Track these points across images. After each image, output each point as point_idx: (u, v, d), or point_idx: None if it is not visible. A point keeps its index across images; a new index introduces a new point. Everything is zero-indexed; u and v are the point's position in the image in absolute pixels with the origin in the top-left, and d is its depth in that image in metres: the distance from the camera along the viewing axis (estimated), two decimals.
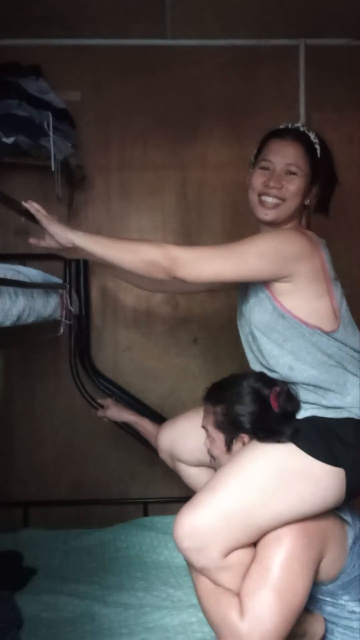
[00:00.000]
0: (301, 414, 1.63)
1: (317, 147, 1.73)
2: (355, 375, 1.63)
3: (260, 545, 1.54)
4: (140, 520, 2.69)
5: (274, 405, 1.62)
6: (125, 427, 2.46)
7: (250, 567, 1.51)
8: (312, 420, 1.61)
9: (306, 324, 1.62)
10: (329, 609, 1.67)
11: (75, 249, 1.62)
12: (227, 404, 1.70)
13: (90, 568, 2.35)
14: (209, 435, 1.76)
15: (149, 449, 2.39)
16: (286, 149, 1.71)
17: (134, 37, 2.69)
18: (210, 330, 2.76)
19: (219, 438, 1.72)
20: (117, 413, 2.25)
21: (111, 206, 2.77)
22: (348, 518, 1.67)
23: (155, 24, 2.59)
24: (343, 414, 1.61)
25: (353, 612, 1.65)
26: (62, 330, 1.88)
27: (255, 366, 1.75)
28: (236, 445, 1.69)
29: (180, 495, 2.78)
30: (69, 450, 2.79)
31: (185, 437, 1.94)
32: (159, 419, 2.70)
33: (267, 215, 1.71)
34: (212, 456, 1.77)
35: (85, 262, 2.67)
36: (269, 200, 1.70)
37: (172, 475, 2.66)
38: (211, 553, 1.51)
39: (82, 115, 2.65)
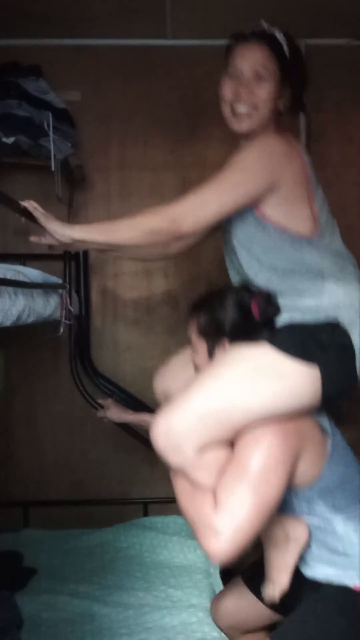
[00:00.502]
0: (280, 321, 1.64)
1: (285, 45, 1.69)
2: (334, 279, 1.64)
3: (238, 445, 1.54)
4: (140, 521, 2.69)
5: (255, 312, 1.63)
6: (126, 427, 2.46)
7: (227, 467, 1.52)
8: (289, 325, 1.63)
9: (286, 230, 1.62)
10: (304, 518, 1.66)
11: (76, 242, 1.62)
12: (209, 311, 1.71)
13: (90, 568, 2.35)
14: (192, 345, 1.77)
15: (150, 449, 2.39)
16: (252, 52, 1.67)
17: (134, 37, 2.69)
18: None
19: (201, 346, 1.73)
20: (117, 414, 2.25)
21: (111, 206, 2.77)
22: (326, 425, 1.67)
23: (155, 24, 2.59)
24: (320, 316, 1.61)
25: (328, 520, 1.64)
26: (62, 330, 1.89)
27: (235, 279, 1.78)
28: (218, 352, 1.69)
29: None
30: (69, 450, 2.79)
31: (178, 374, 1.94)
32: None
33: (242, 126, 1.69)
34: (195, 367, 1.78)
35: (85, 262, 2.67)
36: (242, 110, 1.68)
37: None
38: (186, 450, 1.51)
39: (82, 115, 2.65)
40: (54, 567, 2.35)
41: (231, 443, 1.57)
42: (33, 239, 1.63)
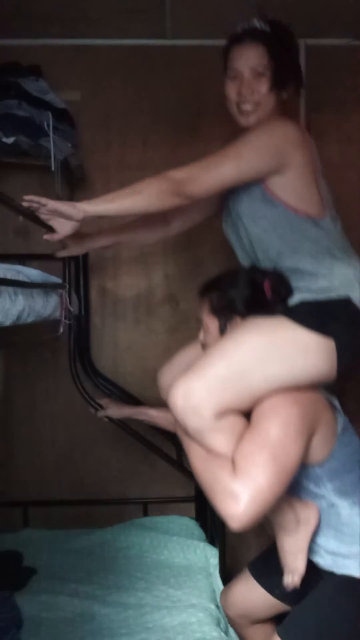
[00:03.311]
0: (292, 301, 1.67)
1: (277, 37, 1.77)
2: (342, 260, 1.68)
3: (255, 413, 1.56)
4: (140, 520, 2.69)
5: (267, 290, 1.66)
6: (125, 427, 2.46)
7: (245, 433, 1.53)
8: (302, 302, 1.66)
9: (295, 210, 1.66)
10: (309, 500, 1.68)
11: (82, 242, 1.73)
12: (222, 289, 1.74)
13: (90, 568, 2.35)
14: (203, 325, 1.78)
15: (150, 449, 2.39)
16: (248, 53, 1.75)
17: (134, 37, 2.69)
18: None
19: (213, 324, 1.74)
20: (118, 410, 2.25)
21: None
22: (337, 404, 1.70)
23: (155, 24, 2.58)
24: (332, 295, 1.65)
25: (333, 504, 1.65)
26: (61, 330, 1.89)
27: (245, 261, 1.81)
28: (230, 330, 1.71)
29: (181, 495, 2.78)
30: (69, 450, 2.79)
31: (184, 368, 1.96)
32: None
33: (249, 121, 1.75)
34: (205, 348, 1.79)
35: (85, 261, 2.67)
36: (247, 108, 1.75)
37: (172, 475, 2.67)
38: (205, 413, 1.52)
39: (82, 115, 2.65)
40: (54, 567, 2.35)
41: (246, 414, 1.59)
42: (47, 237, 1.67)
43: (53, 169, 2.26)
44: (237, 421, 1.56)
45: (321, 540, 1.67)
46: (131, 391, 2.73)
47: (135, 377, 2.78)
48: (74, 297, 2.42)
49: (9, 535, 2.57)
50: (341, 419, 1.68)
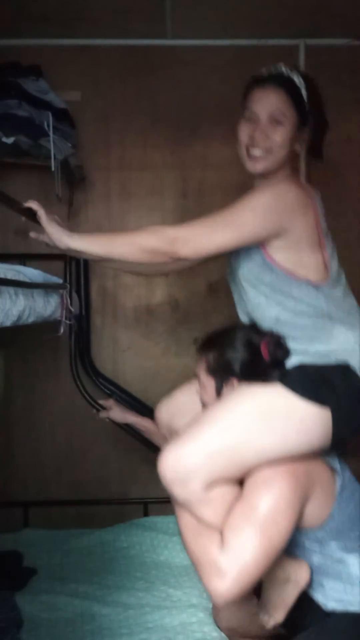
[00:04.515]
0: (290, 363, 1.64)
1: (303, 89, 1.67)
2: (342, 323, 1.64)
3: (247, 485, 1.54)
4: (140, 521, 2.69)
5: (264, 353, 1.64)
6: (126, 427, 2.46)
7: (235, 505, 1.52)
8: (300, 366, 1.62)
9: (294, 275, 1.62)
10: (316, 559, 1.66)
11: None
12: (218, 350, 1.72)
13: (90, 568, 2.35)
14: (200, 382, 1.77)
15: (150, 449, 2.39)
16: (268, 97, 1.66)
17: (134, 37, 2.69)
18: (210, 330, 2.76)
19: (210, 384, 1.73)
20: (120, 414, 2.25)
21: (111, 206, 2.77)
22: (336, 466, 1.67)
23: (155, 24, 2.59)
24: (330, 360, 1.61)
25: (341, 560, 1.64)
26: (62, 330, 1.89)
27: (244, 317, 1.77)
28: (226, 390, 1.70)
29: None
30: (69, 450, 2.79)
31: (183, 409, 1.93)
32: None
33: (256, 167, 1.68)
34: (203, 404, 1.78)
35: (86, 262, 2.67)
36: (256, 153, 1.67)
37: None
38: (194, 485, 1.50)
39: (82, 115, 2.65)
40: (54, 567, 2.35)
41: (239, 481, 1.57)
42: (33, 235, 1.64)
43: (53, 169, 2.27)
44: (227, 491, 1.54)
45: (329, 586, 1.65)
46: (131, 391, 2.73)
47: (135, 377, 2.79)
48: (75, 297, 2.42)
49: (9, 535, 2.57)
50: (339, 480, 1.65)
